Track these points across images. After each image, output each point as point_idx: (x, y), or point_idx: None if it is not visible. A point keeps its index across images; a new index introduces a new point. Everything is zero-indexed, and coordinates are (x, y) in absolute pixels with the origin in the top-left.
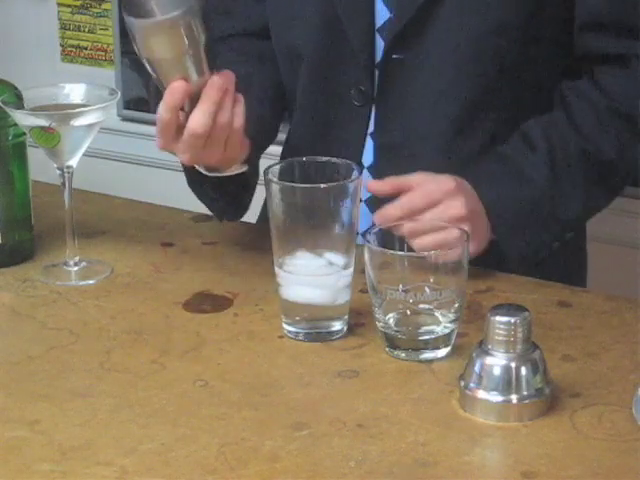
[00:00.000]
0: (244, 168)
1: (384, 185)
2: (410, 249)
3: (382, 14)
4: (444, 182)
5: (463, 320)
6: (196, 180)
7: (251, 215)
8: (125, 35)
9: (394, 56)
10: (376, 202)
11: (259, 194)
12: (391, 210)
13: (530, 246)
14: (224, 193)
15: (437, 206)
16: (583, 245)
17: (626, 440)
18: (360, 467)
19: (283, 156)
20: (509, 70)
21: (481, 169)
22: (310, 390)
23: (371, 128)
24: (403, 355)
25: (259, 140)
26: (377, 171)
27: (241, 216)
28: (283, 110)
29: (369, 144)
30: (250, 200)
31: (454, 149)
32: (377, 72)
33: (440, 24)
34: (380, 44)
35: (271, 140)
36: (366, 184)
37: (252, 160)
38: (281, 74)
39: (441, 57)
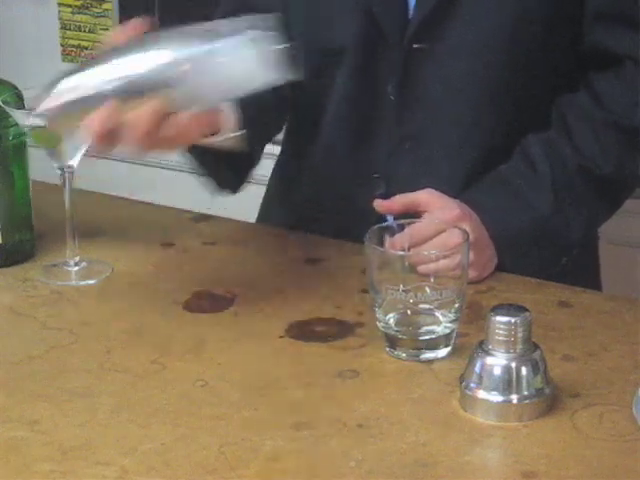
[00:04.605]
0: (237, 133)
1: (393, 204)
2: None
3: (413, 6)
4: (450, 210)
5: (463, 320)
6: (196, 149)
7: (251, 215)
8: None
9: (415, 46)
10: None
11: (256, 193)
12: (399, 240)
13: (535, 268)
14: (222, 161)
15: (442, 234)
16: (595, 247)
17: (626, 440)
18: (360, 467)
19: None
20: (529, 61)
21: (484, 196)
22: (310, 390)
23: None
24: (403, 355)
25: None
26: (396, 162)
27: (238, 189)
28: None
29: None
30: (249, 172)
31: (471, 140)
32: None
33: (461, 14)
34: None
35: (269, 110)
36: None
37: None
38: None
39: (462, 47)
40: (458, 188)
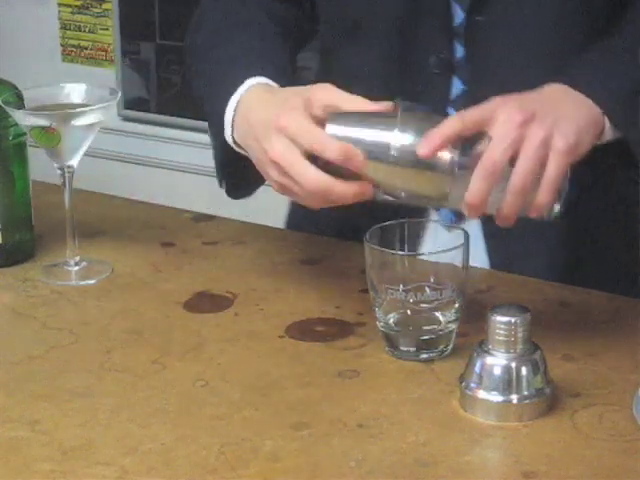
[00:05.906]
0: None
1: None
2: (410, 249)
3: None
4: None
5: (463, 320)
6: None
7: (251, 215)
8: (125, 35)
9: (477, 18)
10: None
11: (256, 193)
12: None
13: None
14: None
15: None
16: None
17: (626, 440)
18: (360, 467)
19: None
20: (595, 23)
21: (577, 69)
22: (310, 390)
23: (452, 96)
24: (403, 355)
25: None
26: None
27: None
28: None
29: (450, 113)
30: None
31: None
32: (457, 37)
33: None
34: (455, 7)
35: None
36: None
37: None
38: (325, 43)
39: (524, 17)
40: None
